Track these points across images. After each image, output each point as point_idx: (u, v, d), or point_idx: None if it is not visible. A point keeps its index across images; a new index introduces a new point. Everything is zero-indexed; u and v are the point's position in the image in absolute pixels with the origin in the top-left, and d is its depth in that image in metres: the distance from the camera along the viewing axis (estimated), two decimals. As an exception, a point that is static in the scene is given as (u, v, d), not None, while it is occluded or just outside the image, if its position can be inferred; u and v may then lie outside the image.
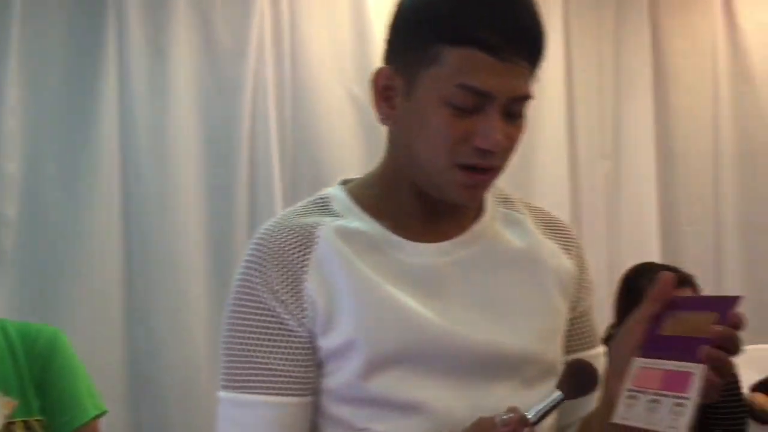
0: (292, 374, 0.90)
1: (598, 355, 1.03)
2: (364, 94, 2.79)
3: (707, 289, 3.17)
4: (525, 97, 0.88)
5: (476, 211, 0.99)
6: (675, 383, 0.76)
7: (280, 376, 0.89)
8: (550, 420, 0.95)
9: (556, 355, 0.98)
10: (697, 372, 0.76)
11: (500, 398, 0.91)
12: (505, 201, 1.03)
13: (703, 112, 3.29)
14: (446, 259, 0.94)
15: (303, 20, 2.83)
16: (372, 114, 2.94)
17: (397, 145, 0.93)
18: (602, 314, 2.98)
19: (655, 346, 0.82)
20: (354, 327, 0.89)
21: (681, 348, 0.78)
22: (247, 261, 0.93)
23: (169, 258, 2.66)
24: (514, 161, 0.93)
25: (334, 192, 0.98)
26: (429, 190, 0.93)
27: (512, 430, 0.82)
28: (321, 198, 0.98)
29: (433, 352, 0.90)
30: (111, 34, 2.66)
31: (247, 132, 2.76)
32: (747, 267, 3.28)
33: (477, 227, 0.97)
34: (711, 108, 3.28)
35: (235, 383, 0.91)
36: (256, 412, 0.90)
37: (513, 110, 0.88)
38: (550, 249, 1.00)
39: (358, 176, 1.02)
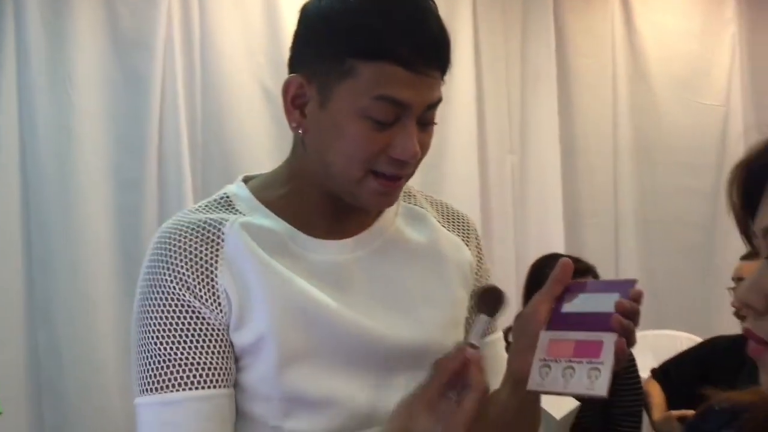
0: (216, 365, 0.89)
1: (498, 340, 1.08)
2: (277, 88, 2.76)
3: (606, 277, 3.33)
4: (437, 103, 0.91)
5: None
6: (587, 351, 0.82)
7: (205, 368, 0.89)
8: None
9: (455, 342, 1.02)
10: (607, 340, 0.82)
11: (405, 387, 0.94)
12: (407, 195, 1.06)
13: (604, 110, 3.44)
14: (351, 256, 0.96)
15: (213, 10, 2.78)
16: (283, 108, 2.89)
17: (308, 150, 0.94)
18: (510, 304, 3.08)
19: (562, 321, 0.87)
20: (266, 323, 0.89)
21: (589, 321, 0.85)
22: (154, 259, 0.91)
23: (73, 257, 2.57)
24: (426, 157, 0.96)
25: (237, 190, 0.98)
26: (340, 194, 0.94)
27: (463, 357, 0.84)
28: (223, 196, 0.98)
29: (342, 347, 0.92)
30: (8, 21, 2.54)
31: (155, 125, 2.69)
32: (642, 258, 3.47)
33: (379, 224, 1.00)
34: (611, 106, 3.44)
35: (158, 384, 0.88)
36: (187, 409, 0.88)
37: (426, 118, 0.91)
38: (451, 241, 1.04)
39: (259, 173, 1.02)
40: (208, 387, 0.89)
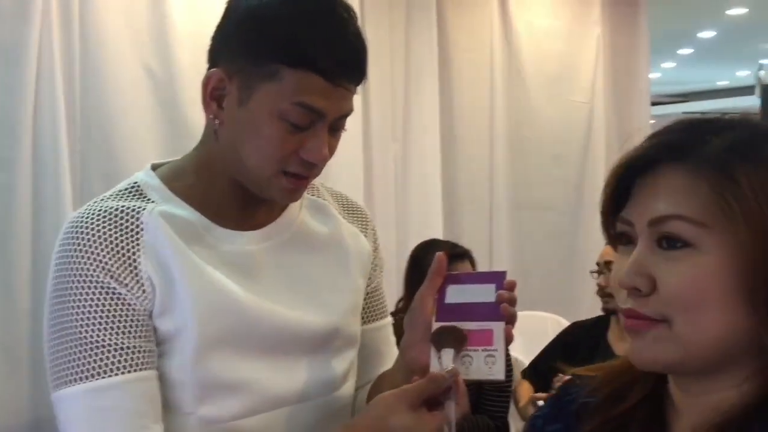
0: (144, 348, 0.91)
1: (388, 324, 1.17)
2: (163, 69, 2.71)
3: (483, 262, 3.50)
4: (348, 114, 0.97)
5: None
6: (481, 339, 0.91)
7: (135, 351, 0.90)
8: (350, 382, 1.08)
9: (357, 327, 1.10)
10: (496, 328, 0.91)
11: (313, 368, 1.01)
12: (310, 187, 1.10)
13: (481, 103, 3.59)
14: (260, 246, 1.00)
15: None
16: (171, 90, 2.87)
17: (222, 141, 0.96)
18: (392, 288, 3.18)
19: (449, 313, 0.95)
20: (187, 311, 0.92)
21: (475, 312, 0.93)
22: (70, 248, 0.91)
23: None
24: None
25: (147, 179, 0.99)
26: (251, 187, 0.98)
27: (454, 380, 0.89)
28: (133, 185, 0.98)
29: (253, 333, 0.96)
30: None
31: (30, 104, 2.55)
32: (514, 242, 3.67)
33: (286, 216, 1.05)
34: (488, 99, 3.59)
35: (88, 371, 0.88)
36: (121, 393, 0.89)
37: (337, 125, 0.96)
38: (351, 231, 1.10)
39: (165, 161, 1.03)
40: (139, 369, 0.90)
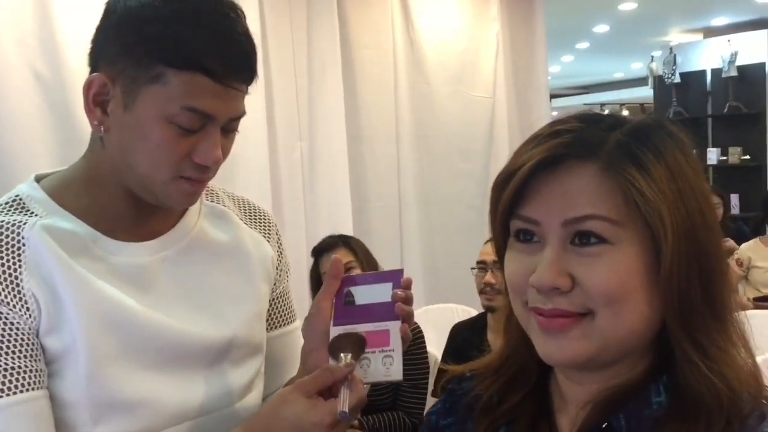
0: (31, 368, 0.87)
1: (295, 329, 1.14)
2: (50, 72, 2.59)
3: (394, 258, 3.53)
4: (241, 116, 0.94)
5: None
6: (377, 340, 0.91)
7: (20, 372, 0.85)
8: (255, 392, 1.05)
9: (262, 335, 1.07)
10: (392, 327, 0.91)
11: (212, 380, 0.98)
12: (209, 194, 1.07)
13: (386, 100, 3.62)
14: (155, 257, 0.96)
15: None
16: (60, 94, 2.74)
17: (109, 149, 0.92)
18: (303, 290, 3.16)
19: (347, 315, 0.94)
20: (75, 328, 0.88)
21: (371, 313, 0.93)
22: None
23: None
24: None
25: (30, 191, 0.94)
26: (143, 195, 0.94)
27: (348, 372, 0.87)
28: (15, 198, 0.93)
29: (148, 348, 0.93)
30: None
31: None
32: (423, 237, 3.72)
33: (183, 224, 1.01)
34: (392, 96, 3.62)
35: None
36: (8, 416, 0.85)
37: (230, 126, 0.93)
38: (253, 238, 1.07)
39: (50, 171, 0.98)
40: (26, 390, 0.86)
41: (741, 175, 6.74)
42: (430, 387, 2.53)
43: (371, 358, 0.91)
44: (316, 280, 2.59)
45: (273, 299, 1.11)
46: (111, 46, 0.90)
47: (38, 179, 0.97)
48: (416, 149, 3.69)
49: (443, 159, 3.79)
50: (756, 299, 4.01)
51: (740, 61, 6.72)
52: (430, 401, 2.50)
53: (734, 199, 6.60)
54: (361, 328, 0.92)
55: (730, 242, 4.31)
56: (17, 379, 0.85)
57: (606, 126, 0.71)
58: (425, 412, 2.37)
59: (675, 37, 8.21)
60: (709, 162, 6.97)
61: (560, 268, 0.68)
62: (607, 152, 0.68)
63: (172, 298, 0.96)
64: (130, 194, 0.94)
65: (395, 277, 0.95)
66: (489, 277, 2.53)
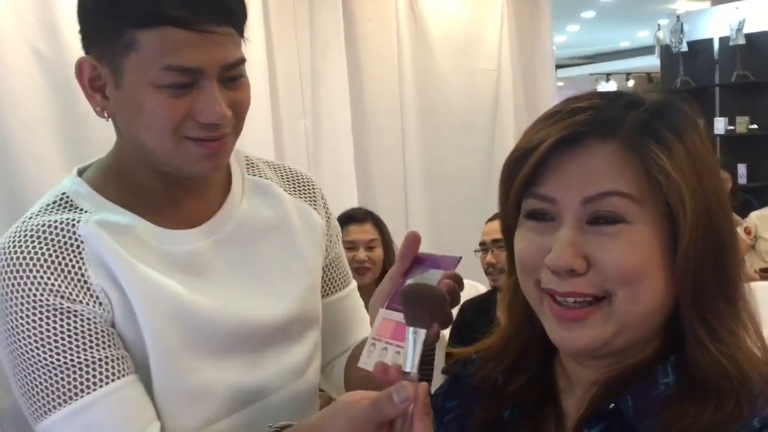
0: (116, 356, 0.87)
1: (352, 291, 1.12)
2: (50, 51, 2.57)
3: (399, 234, 3.52)
4: (237, 63, 0.87)
5: (224, 183, 0.99)
6: (399, 333, 0.85)
7: (106, 362, 0.86)
8: (315, 364, 1.04)
9: (317, 307, 1.05)
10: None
11: (272, 360, 0.98)
12: (250, 166, 1.03)
13: (390, 74, 3.59)
14: (206, 242, 0.95)
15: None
16: (61, 73, 2.73)
17: (122, 133, 0.92)
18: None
19: (396, 300, 0.88)
20: (141, 322, 0.88)
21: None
22: (11, 276, 0.85)
23: None
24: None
25: (75, 187, 0.92)
26: (168, 170, 0.91)
27: (404, 406, 0.70)
28: (62, 196, 0.91)
29: (211, 336, 0.93)
30: None
31: None
32: (428, 212, 3.71)
33: (228, 205, 0.98)
34: (396, 70, 3.59)
35: (68, 393, 0.84)
36: (107, 405, 0.85)
37: (230, 75, 0.87)
38: (300, 208, 1.04)
39: (91, 162, 0.97)
40: (116, 378, 0.86)
41: (749, 145, 6.68)
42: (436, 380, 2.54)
43: (389, 350, 0.87)
44: None
45: (326, 266, 1.09)
46: (89, 28, 0.88)
47: (80, 172, 0.95)
48: (421, 124, 3.67)
49: (448, 134, 3.76)
50: (762, 270, 4.00)
51: (748, 29, 6.62)
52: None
53: (741, 168, 6.56)
54: (397, 316, 0.86)
55: (735, 217, 4.29)
56: (107, 369, 0.86)
57: (624, 104, 0.70)
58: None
59: (682, 4, 8.10)
60: (716, 132, 6.90)
61: (577, 249, 0.66)
62: (628, 130, 0.67)
63: (226, 281, 0.95)
64: (164, 176, 0.92)
65: (450, 263, 0.87)
66: (490, 257, 2.53)
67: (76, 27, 0.89)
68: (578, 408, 0.74)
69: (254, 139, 3.06)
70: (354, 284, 1.14)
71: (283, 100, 3.21)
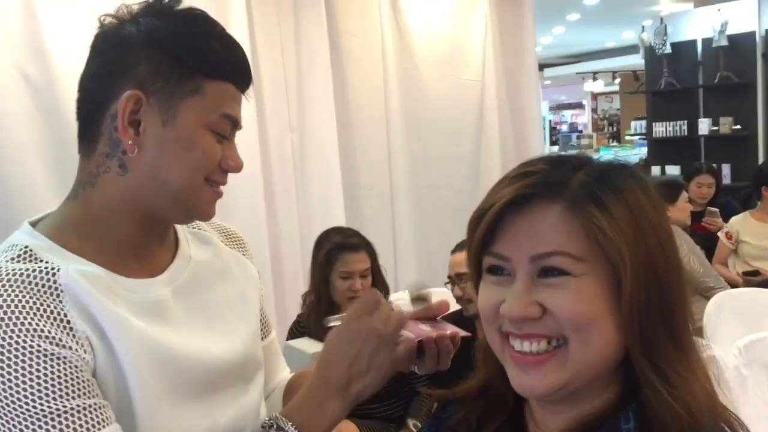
0: (102, 404, 0.87)
1: (273, 340, 1.20)
2: (38, 75, 2.59)
3: (386, 245, 3.55)
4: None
5: (171, 235, 1.04)
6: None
7: (95, 409, 0.86)
8: (263, 406, 1.10)
9: (261, 350, 1.11)
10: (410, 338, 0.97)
11: (235, 401, 1.02)
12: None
13: (375, 86, 3.60)
14: (167, 290, 0.98)
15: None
16: (49, 96, 2.73)
17: (139, 172, 0.93)
18: (299, 280, 3.19)
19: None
20: (124, 369, 0.89)
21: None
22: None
23: None
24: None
25: (34, 241, 0.92)
26: (168, 214, 0.97)
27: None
28: (25, 249, 0.91)
29: (188, 379, 0.94)
30: None
31: None
32: (416, 222, 3.74)
33: (181, 254, 1.03)
34: (381, 82, 3.61)
35: None
36: None
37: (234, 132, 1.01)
38: (236, 259, 1.11)
39: (38, 217, 0.98)
40: (107, 425, 0.86)
41: (732, 145, 6.75)
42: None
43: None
44: (326, 274, 2.59)
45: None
46: (138, 67, 0.92)
47: (32, 224, 0.96)
48: (407, 135, 3.70)
49: (434, 144, 3.79)
50: (745, 273, 4.06)
51: (731, 31, 6.69)
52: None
53: (725, 169, 6.62)
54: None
55: (719, 221, 4.35)
56: (97, 416, 0.85)
57: (572, 167, 0.76)
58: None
59: (665, 6, 8.17)
60: (700, 133, 6.98)
61: (529, 299, 0.72)
62: (570, 192, 0.73)
63: (190, 326, 0.98)
64: (145, 223, 0.96)
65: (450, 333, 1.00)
66: (457, 290, 2.63)
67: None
68: None
69: (241, 152, 3.06)
70: (274, 334, 1.21)
71: (270, 114, 3.23)
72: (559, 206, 0.72)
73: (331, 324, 1.05)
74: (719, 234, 4.23)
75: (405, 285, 3.55)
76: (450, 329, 1.00)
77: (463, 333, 1.00)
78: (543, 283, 0.73)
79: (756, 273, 4.02)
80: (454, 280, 2.65)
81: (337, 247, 2.60)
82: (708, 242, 4.17)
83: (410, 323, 0.99)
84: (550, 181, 0.74)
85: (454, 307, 3.09)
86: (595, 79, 14.27)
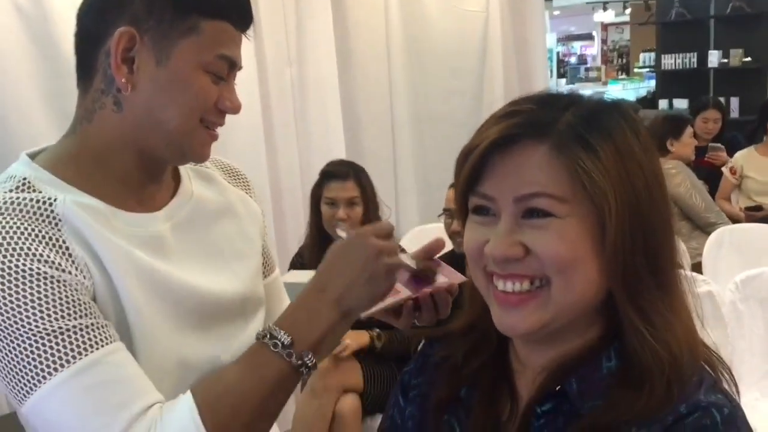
0: (104, 323, 0.88)
1: (277, 277, 1.20)
2: (33, 5, 2.54)
3: (387, 178, 3.54)
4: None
5: (173, 172, 1.04)
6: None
7: (100, 327, 0.87)
8: None
9: (262, 287, 1.12)
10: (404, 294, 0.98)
11: (235, 337, 1.02)
12: None
13: (376, 19, 3.51)
14: (166, 225, 0.99)
15: None
16: (43, 27, 2.69)
17: (134, 110, 0.93)
18: (300, 215, 3.20)
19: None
20: (122, 297, 0.90)
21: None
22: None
23: None
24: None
25: (33, 172, 0.92)
26: (163, 154, 0.96)
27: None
28: (23, 181, 0.91)
29: (186, 309, 0.96)
30: None
31: None
32: (416, 156, 3.71)
33: (182, 191, 1.03)
34: (382, 15, 3.52)
35: (67, 356, 0.83)
36: (109, 366, 0.85)
37: (234, 74, 0.99)
38: (239, 196, 1.11)
39: (37, 149, 0.98)
40: (113, 341, 0.87)
41: (742, 78, 6.64)
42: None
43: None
44: (317, 201, 2.66)
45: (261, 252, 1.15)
46: (132, 4, 0.91)
47: (31, 157, 0.96)
48: (408, 68, 3.63)
49: (435, 77, 3.72)
50: (747, 208, 4.05)
51: (745, -42, 6.49)
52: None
53: (734, 102, 6.54)
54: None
55: (723, 155, 4.31)
56: (101, 333, 0.86)
57: (561, 106, 0.74)
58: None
59: (679, -68, 7.89)
60: (710, 65, 6.86)
61: (512, 240, 0.73)
62: (557, 133, 0.72)
63: (188, 262, 0.99)
64: (141, 161, 0.96)
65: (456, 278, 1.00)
66: (455, 225, 2.60)
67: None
68: (530, 390, 0.80)
69: (239, 88, 3.03)
70: (278, 272, 1.21)
71: (268, 49, 3.16)
72: (545, 147, 0.71)
73: (339, 233, 1.06)
74: (723, 169, 4.20)
75: (406, 221, 3.56)
76: (442, 281, 0.99)
77: (459, 280, 1.00)
78: (527, 224, 0.73)
79: (759, 208, 4.01)
80: (454, 213, 2.63)
81: (324, 175, 2.65)
82: (712, 177, 4.15)
83: (406, 279, 0.98)
84: (536, 122, 0.72)
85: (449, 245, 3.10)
86: (605, 9, 13.92)
